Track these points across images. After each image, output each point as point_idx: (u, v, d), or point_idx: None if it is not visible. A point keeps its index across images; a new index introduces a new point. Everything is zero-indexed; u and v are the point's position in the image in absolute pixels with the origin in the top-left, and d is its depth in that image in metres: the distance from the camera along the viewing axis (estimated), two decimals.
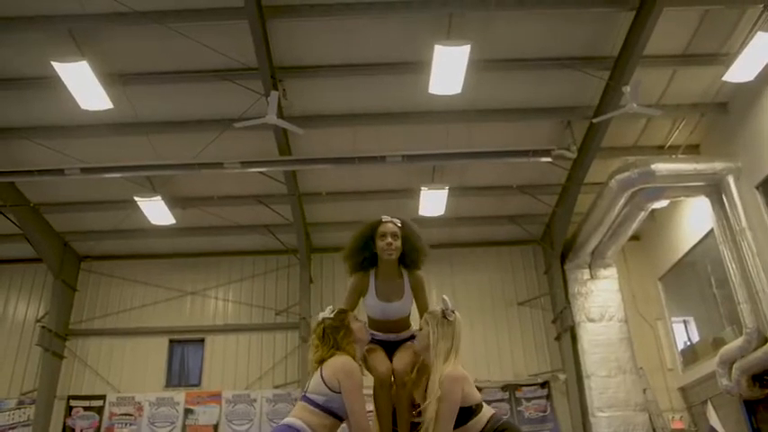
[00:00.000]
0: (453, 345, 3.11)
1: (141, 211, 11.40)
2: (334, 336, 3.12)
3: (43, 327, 12.35)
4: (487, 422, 3.05)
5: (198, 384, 12.63)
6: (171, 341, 12.96)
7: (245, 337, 12.81)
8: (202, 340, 12.95)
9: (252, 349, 12.77)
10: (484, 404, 3.11)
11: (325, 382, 2.99)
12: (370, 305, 3.37)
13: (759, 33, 7.84)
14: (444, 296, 3.17)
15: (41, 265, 12.88)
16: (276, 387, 12.37)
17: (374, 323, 3.39)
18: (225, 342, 12.87)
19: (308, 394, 3.03)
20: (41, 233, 12.30)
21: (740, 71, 8.54)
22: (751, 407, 10.10)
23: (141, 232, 12.46)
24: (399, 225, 3.29)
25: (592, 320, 11.93)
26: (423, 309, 3.30)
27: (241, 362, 12.69)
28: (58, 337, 12.49)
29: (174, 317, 13.03)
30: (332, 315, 3.20)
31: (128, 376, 12.60)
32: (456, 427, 3.01)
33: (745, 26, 8.60)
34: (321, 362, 3.08)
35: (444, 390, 2.98)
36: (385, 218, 3.30)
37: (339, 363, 3.03)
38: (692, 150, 11.02)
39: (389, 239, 3.21)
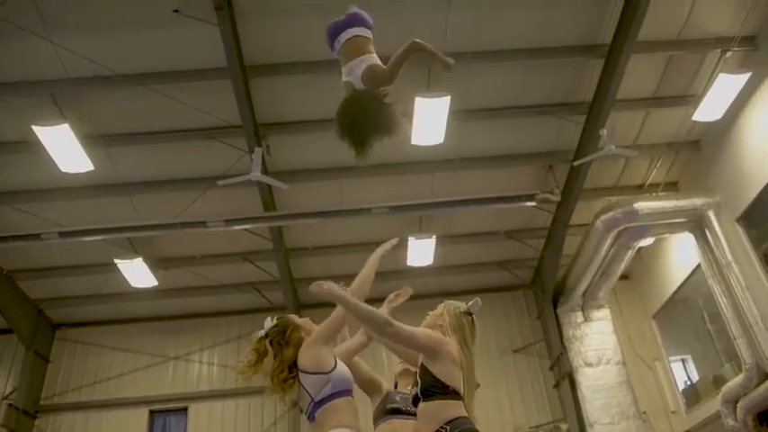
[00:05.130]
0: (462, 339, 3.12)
1: (121, 274, 11.61)
2: (281, 338, 3.15)
3: (10, 405, 12.09)
4: (453, 419, 2.92)
5: None
6: (151, 412, 12.88)
7: (231, 403, 12.78)
8: (185, 409, 12.89)
9: (239, 416, 12.76)
10: (462, 405, 2.99)
11: (313, 372, 2.99)
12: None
13: (721, 75, 8.75)
14: (478, 298, 3.29)
15: (11, 337, 12.77)
16: None
17: None
18: (210, 410, 12.85)
19: (316, 400, 2.98)
20: (14, 302, 12.31)
21: (708, 110, 9.40)
22: None
23: (121, 296, 12.61)
24: None
25: (589, 365, 12.15)
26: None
27: (227, 431, 12.60)
28: (26, 415, 12.23)
29: (155, 385, 13.01)
30: (275, 322, 3.25)
31: None
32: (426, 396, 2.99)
33: (707, 69, 9.54)
34: (285, 367, 3.06)
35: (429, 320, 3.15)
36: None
37: (301, 357, 3.05)
38: (672, 188, 11.76)
39: None
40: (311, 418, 3.01)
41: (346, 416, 2.96)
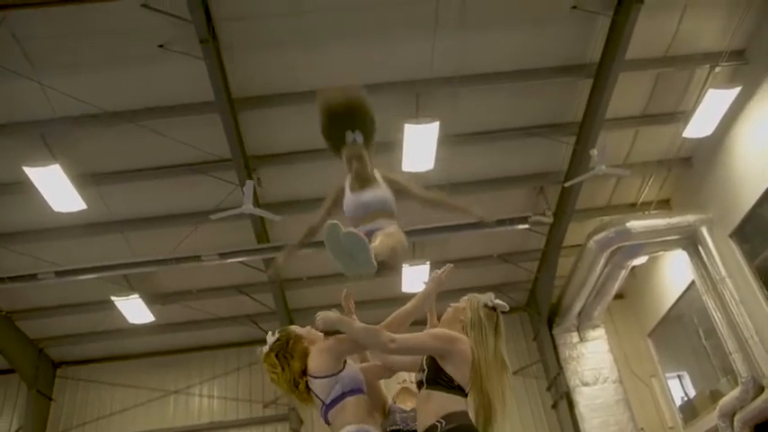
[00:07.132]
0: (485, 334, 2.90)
1: (119, 311, 11.08)
2: (285, 350, 2.94)
3: None
4: (451, 413, 2.69)
5: None
6: None
7: None
8: None
9: None
10: (464, 402, 2.78)
11: (321, 376, 2.80)
12: (348, 203, 3.34)
13: (710, 91, 8.26)
14: (505, 304, 3.05)
15: (14, 376, 12.23)
16: None
17: (354, 223, 3.31)
18: None
19: (327, 402, 2.80)
20: (14, 342, 11.78)
21: (698, 127, 8.91)
22: None
23: (119, 333, 12.05)
24: (360, 140, 3.26)
25: (586, 384, 11.70)
26: (410, 188, 3.32)
27: None
28: None
29: (156, 419, 12.38)
30: (277, 335, 3.03)
31: None
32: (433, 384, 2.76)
33: (696, 85, 9.11)
34: (297, 378, 2.88)
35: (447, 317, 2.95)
36: (349, 137, 3.23)
37: (310, 364, 2.86)
38: (664, 205, 11.33)
39: (355, 163, 3.26)
40: (327, 422, 2.84)
41: (359, 412, 2.77)
